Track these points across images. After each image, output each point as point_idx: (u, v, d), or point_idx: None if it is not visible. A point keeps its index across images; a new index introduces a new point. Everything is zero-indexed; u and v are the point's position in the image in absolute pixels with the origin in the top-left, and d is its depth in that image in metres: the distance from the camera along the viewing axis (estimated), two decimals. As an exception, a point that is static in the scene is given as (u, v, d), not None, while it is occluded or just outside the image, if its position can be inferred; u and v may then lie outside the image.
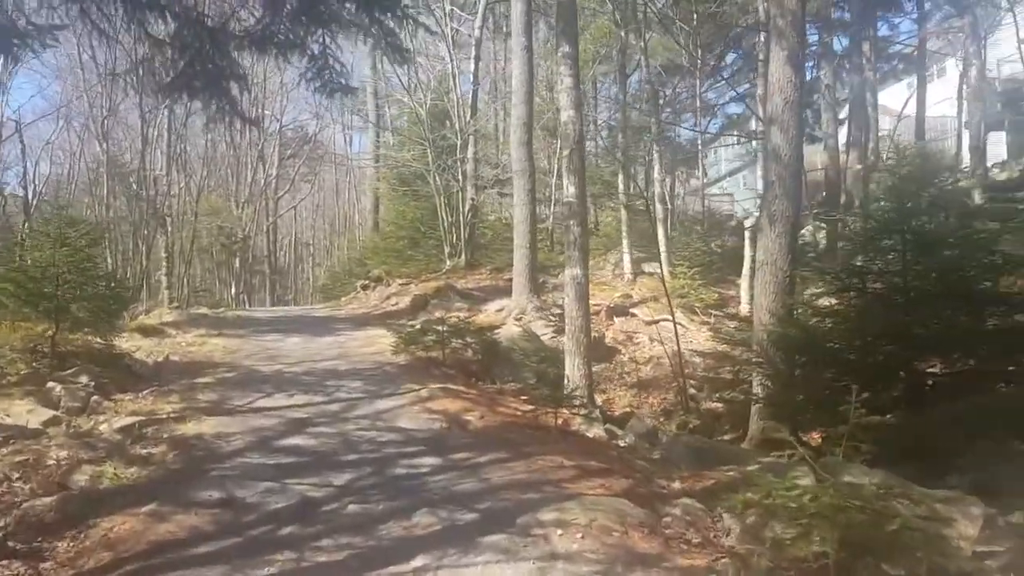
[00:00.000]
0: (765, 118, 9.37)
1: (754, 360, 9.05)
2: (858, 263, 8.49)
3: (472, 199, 21.68)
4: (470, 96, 22.16)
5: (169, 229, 28.05)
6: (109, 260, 25.08)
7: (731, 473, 6.14)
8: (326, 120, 45.49)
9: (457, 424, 7.98)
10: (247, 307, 34.24)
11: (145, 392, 9.36)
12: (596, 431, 8.45)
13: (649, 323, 16.55)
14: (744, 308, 16.12)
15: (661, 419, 10.90)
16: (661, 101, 21.36)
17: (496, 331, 11.56)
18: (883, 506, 3.90)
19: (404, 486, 5.82)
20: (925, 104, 21.31)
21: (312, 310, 22.14)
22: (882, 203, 9.23)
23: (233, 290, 35.31)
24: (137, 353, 11.82)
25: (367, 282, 26.30)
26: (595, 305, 17.67)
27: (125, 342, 12.62)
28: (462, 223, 21.49)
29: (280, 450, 6.83)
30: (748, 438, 9.11)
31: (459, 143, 21.51)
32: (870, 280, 8.25)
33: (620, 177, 20.95)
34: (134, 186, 27.22)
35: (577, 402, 9.17)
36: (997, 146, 25.54)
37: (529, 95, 16.13)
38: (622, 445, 8.28)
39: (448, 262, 22.04)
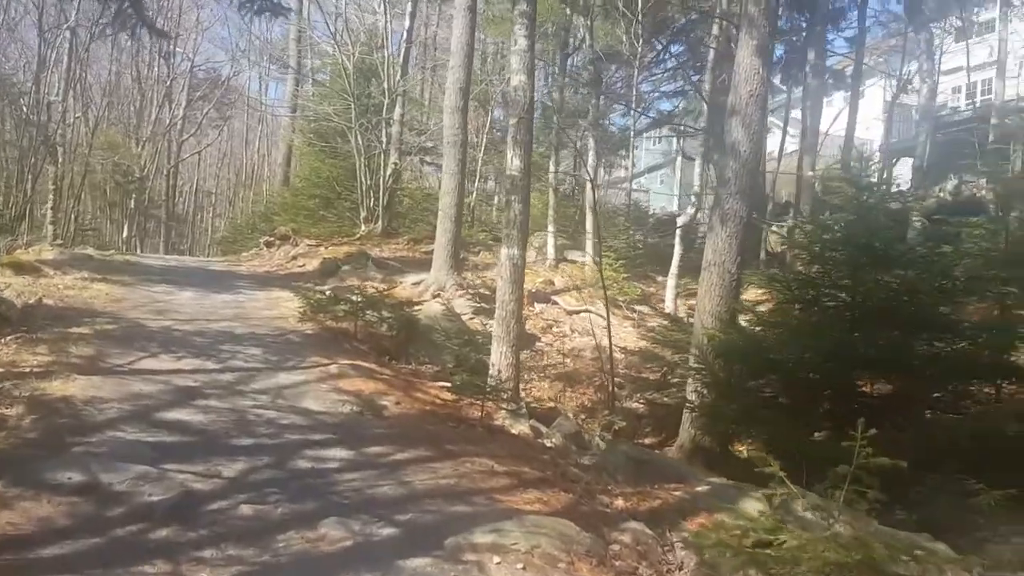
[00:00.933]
0: (728, 110, 8.81)
1: (693, 365, 8.52)
2: (811, 273, 8.06)
3: (395, 163, 20.58)
4: (401, 55, 20.96)
5: (60, 160, 25.73)
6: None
7: (677, 493, 5.54)
8: (241, 64, 43.11)
9: (371, 409, 7.13)
10: (138, 252, 32.08)
11: (8, 339, 8.09)
12: (521, 428, 7.75)
13: (571, 312, 15.99)
14: (668, 306, 15.77)
15: (584, 417, 10.30)
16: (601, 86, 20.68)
17: (416, 307, 10.69)
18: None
19: (309, 485, 4.94)
20: (856, 122, 21.45)
21: (210, 263, 20.61)
22: (834, 215, 8.86)
23: (124, 233, 32.95)
24: (5, 292, 10.38)
25: (272, 239, 24.81)
26: (515, 288, 17.03)
27: (-10, 279, 11.13)
28: (382, 187, 20.36)
29: (161, 425, 5.82)
30: (678, 445, 8.62)
31: (386, 102, 20.33)
32: (822, 293, 7.83)
33: (552, 159, 20.25)
34: (24, 109, 24.77)
35: (503, 394, 8.46)
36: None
37: (469, 59, 15.20)
38: (549, 445, 7.62)
39: (363, 227, 20.90)
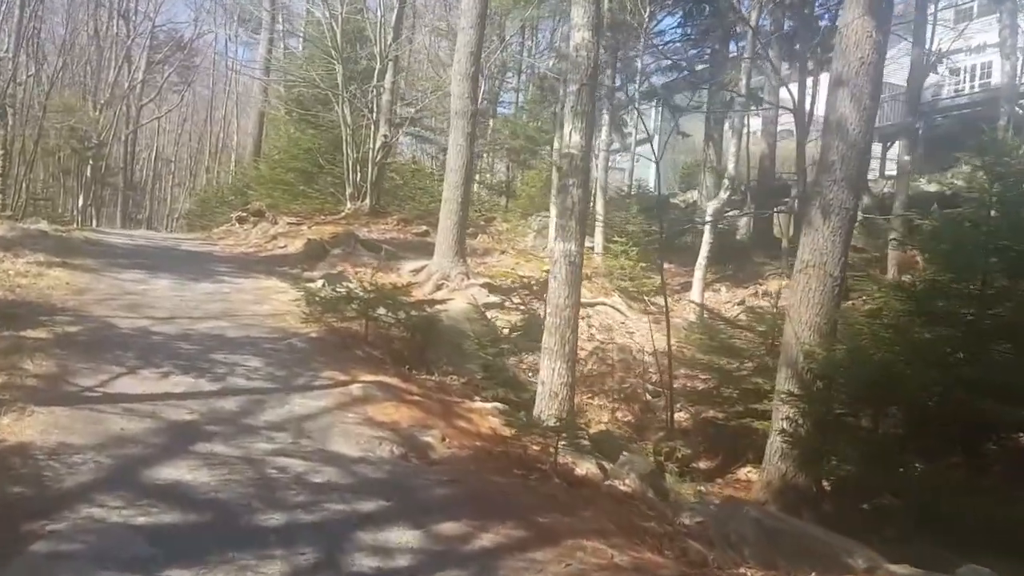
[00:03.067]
0: (832, 80, 7.39)
1: (786, 389, 7.14)
2: (942, 280, 6.68)
3: (385, 135, 18.84)
4: (393, 16, 19.13)
5: (10, 123, 23.48)
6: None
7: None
8: (207, 24, 40.66)
9: (415, 450, 5.62)
10: (97, 225, 29.86)
11: (-58, 348, 6.42)
12: (588, 467, 6.31)
13: (585, 305, 14.51)
14: (695, 300, 14.38)
15: (634, 436, 8.90)
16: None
17: (438, 305, 9.15)
18: None
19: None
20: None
21: (180, 241, 18.73)
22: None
23: (81, 202, 30.65)
24: (-60, 283, 8.62)
25: (244, 215, 22.93)
26: (522, 277, 15.57)
27: (-76, 264, 9.32)
28: (371, 162, 18.62)
29: (156, 493, 4.23)
30: (764, 482, 7.25)
31: (377, 68, 18.52)
32: (959, 305, 6.47)
33: (558, 134, 18.66)
34: (-33, 64, 22.44)
35: (555, 419, 7.01)
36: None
37: (481, 19, 13.54)
38: (623, 489, 6.19)
39: (349, 204, 19.17)
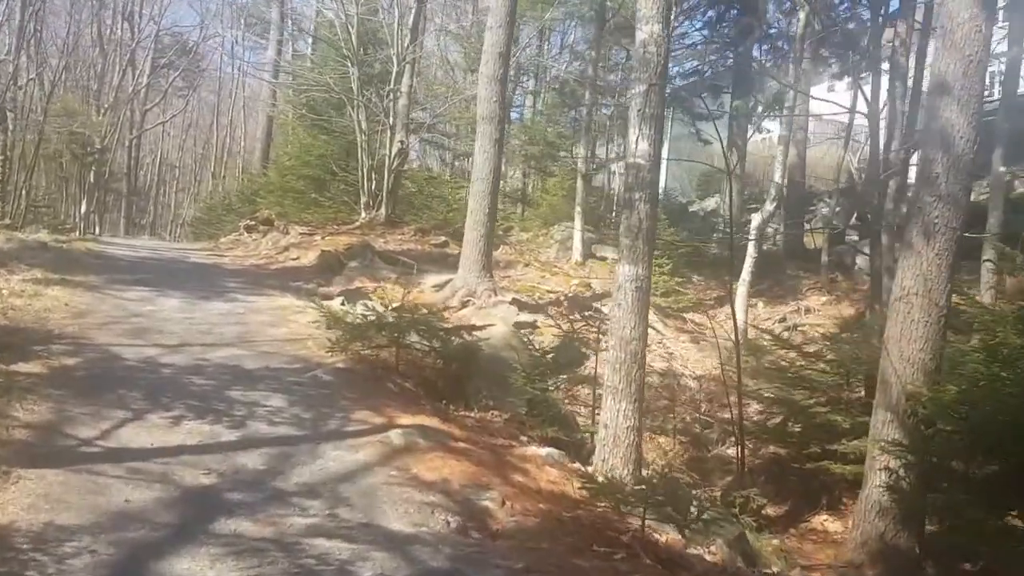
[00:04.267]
0: (933, 83, 6.52)
1: (885, 438, 6.23)
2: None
3: (401, 141, 17.98)
4: (411, 17, 18.25)
5: (10, 127, 22.66)
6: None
7: None
8: (213, 28, 39.92)
9: (474, 520, 4.72)
10: (100, 232, 29.07)
11: (-81, 387, 5.54)
12: (669, 534, 5.40)
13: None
14: (739, 319, 13.42)
15: (697, 480, 7.96)
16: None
17: (477, 331, 8.24)
18: None
19: None
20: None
21: (187, 253, 17.86)
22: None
23: (83, 208, 29.79)
24: (-77, 305, 7.75)
25: (253, 223, 22.13)
26: (549, 292, 14.69)
27: (-91, 283, 8.45)
28: (386, 169, 17.74)
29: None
30: (860, 542, 6.34)
31: (394, 71, 17.66)
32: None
33: (582, 141, 17.81)
34: (-34, 66, 21.61)
35: (620, 469, 6.14)
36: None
37: (511, 17, 12.69)
38: (709, 559, 5.29)
39: (364, 214, 18.29)
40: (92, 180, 30.11)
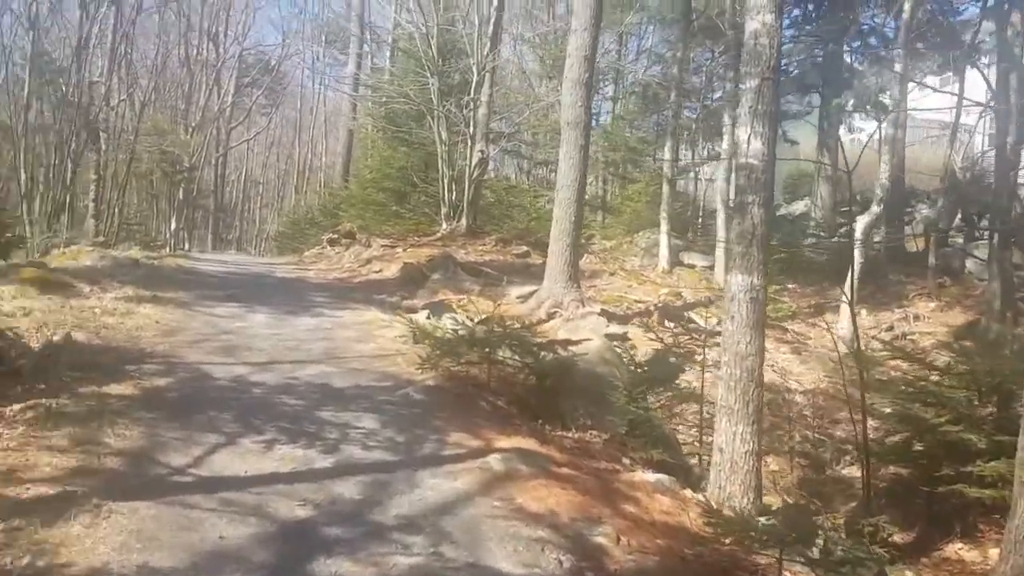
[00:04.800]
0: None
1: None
2: None
3: (482, 151, 17.75)
4: (490, 26, 18.04)
5: (103, 147, 23.44)
6: (23, 176, 20.44)
7: None
8: (294, 46, 40.76)
9: (587, 557, 4.31)
10: (188, 248, 29.87)
11: (14, 409, 5.45)
12: (800, 573, 4.86)
13: (713, 334, 12.98)
14: (843, 330, 12.61)
15: (819, 506, 7.34)
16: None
17: (572, 346, 7.82)
18: None
19: None
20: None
21: (273, 267, 18.02)
22: None
23: (172, 225, 30.70)
24: (20, 324, 7.78)
25: (336, 236, 22.28)
26: (638, 302, 14.18)
27: (7, 301, 8.55)
28: (467, 179, 17.53)
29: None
30: (1013, 581, 5.64)
31: (474, 80, 17.46)
32: None
33: (668, 144, 17.22)
34: (63, 89, 22.42)
35: (738, 497, 5.62)
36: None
37: (596, 19, 12.26)
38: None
39: (444, 225, 18.13)
40: (181, 197, 31.03)
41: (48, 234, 18.22)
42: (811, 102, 23.00)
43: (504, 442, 5.96)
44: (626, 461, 6.76)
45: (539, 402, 7.68)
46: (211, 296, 11.16)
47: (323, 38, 36.05)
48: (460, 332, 7.65)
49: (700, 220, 19.92)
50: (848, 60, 21.47)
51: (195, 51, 34.30)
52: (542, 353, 7.67)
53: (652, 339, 11.71)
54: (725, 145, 15.36)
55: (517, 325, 7.81)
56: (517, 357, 7.67)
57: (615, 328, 11.51)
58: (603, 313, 12.14)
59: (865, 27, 20.61)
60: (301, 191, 41.37)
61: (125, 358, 7.24)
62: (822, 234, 17.93)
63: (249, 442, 5.38)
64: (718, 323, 13.22)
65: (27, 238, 17.88)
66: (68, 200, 21.29)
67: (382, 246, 18.08)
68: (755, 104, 5.99)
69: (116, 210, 23.56)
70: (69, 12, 25.98)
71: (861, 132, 25.99)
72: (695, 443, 7.83)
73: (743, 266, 5.98)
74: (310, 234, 25.49)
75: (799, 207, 24.78)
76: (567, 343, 7.59)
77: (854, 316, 8.72)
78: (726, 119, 15.75)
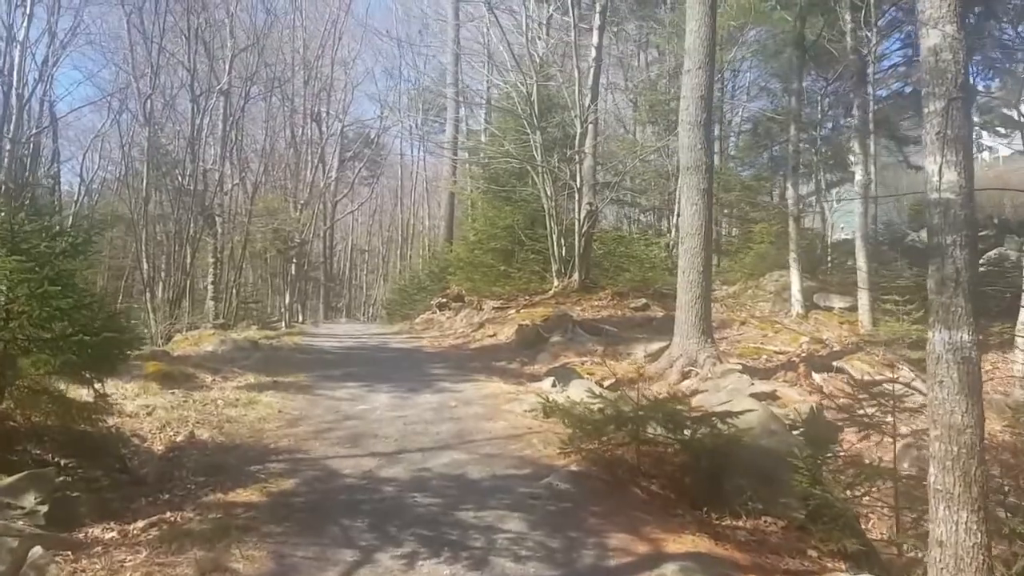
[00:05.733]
0: None
1: None
2: None
3: (589, 204, 17.13)
4: (591, 75, 17.57)
5: (219, 230, 24.13)
6: (145, 266, 21.15)
7: None
8: (392, 118, 41.70)
9: None
10: (302, 320, 30.37)
11: (138, 526, 5.03)
12: None
13: (872, 385, 11.68)
14: (1020, 371, 11.17)
15: None
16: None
17: (733, 418, 6.90)
18: None
19: None
20: None
21: (385, 336, 17.81)
22: None
23: (287, 299, 31.32)
24: (144, 425, 7.53)
25: (445, 300, 22.05)
26: (777, 353, 13.04)
27: (131, 400, 8.36)
28: (577, 234, 16.91)
29: None
30: None
31: (578, 132, 16.95)
32: None
33: (790, 179, 16.15)
34: (179, 178, 23.31)
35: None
36: None
37: (710, 57, 11.56)
38: None
39: (556, 281, 17.51)
40: (293, 272, 31.72)
41: (170, 320, 18.62)
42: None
43: (675, 544, 5.13)
44: (812, 553, 5.79)
45: (697, 484, 6.78)
46: (330, 376, 10.82)
47: (420, 106, 36.60)
48: (601, 408, 6.87)
49: (831, 258, 18.56)
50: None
51: (300, 131, 35.47)
52: (698, 429, 6.79)
53: (800, 395, 10.69)
54: (859, 177, 14.15)
55: (663, 395, 6.96)
56: (669, 434, 6.81)
57: (760, 386, 10.49)
58: (745, 369, 11.15)
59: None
60: (406, 257, 41.85)
61: (249, 456, 6.83)
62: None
63: (388, 558, 4.74)
64: (876, 372, 12.01)
65: (150, 327, 18.33)
66: (188, 285, 21.88)
67: (493, 308, 17.61)
68: (943, 129, 5.08)
69: (234, 291, 24.10)
70: (181, 106, 27.36)
71: (985, 151, 24.07)
72: (890, 527, 6.71)
73: (946, 320, 5.00)
74: (418, 299, 25.40)
75: (924, 235, 23.00)
76: (726, 415, 6.69)
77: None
78: (856, 148, 14.56)
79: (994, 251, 20.99)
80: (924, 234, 23.36)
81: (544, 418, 8.49)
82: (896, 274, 14.48)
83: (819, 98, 18.40)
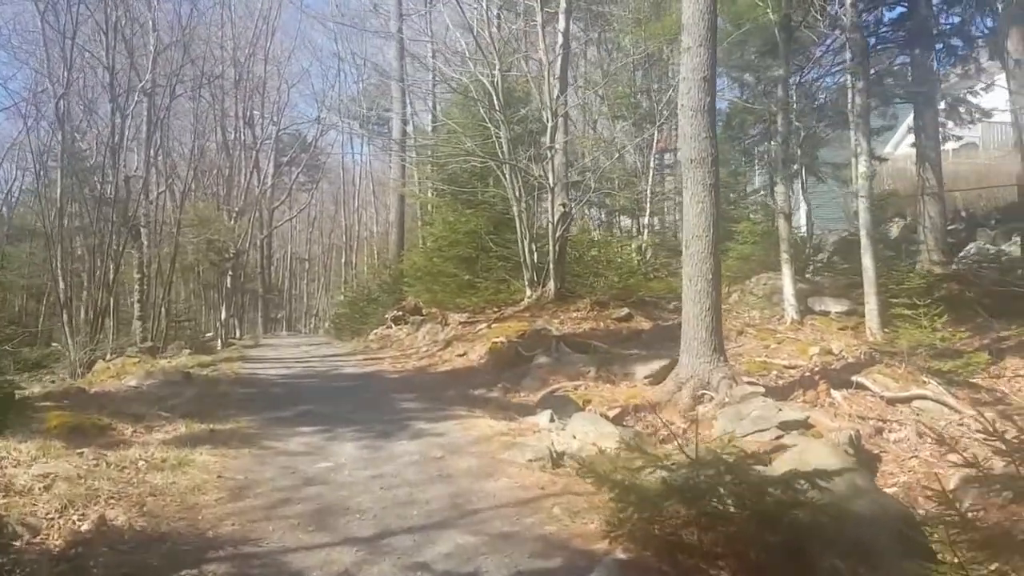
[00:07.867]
0: None
1: None
2: None
3: (564, 204, 15.52)
4: (558, 64, 15.96)
5: (145, 243, 21.82)
6: (61, 284, 18.78)
7: None
8: (330, 120, 39.64)
9: None
10: (239, 335, 28.15)
11: None
12: None
13: (892, 402, 10.31)
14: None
15: None
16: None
17: (823, 479, 5.32)
18: None
19: None
20: None
21: (339, 358, 15.88)
22: None
23: (223, 314, 28.99)
24: (39, 504, 5.62)
25: (400, 313, 20.21)
26: (788, 367, 11.64)
27: (24, 468, 6.40)
28: (551, 237, 15.29)
29: None
30: None
31: (549, 126, 15.32)
32: None
33: (780, 173, 14.82)
34: (99, 187, 20.95)
35: None
36: None
37: (712, 32, 10.05)
38: None
39: (529, 292, 15.85)
40: (229, 285, 29.44)
41: (91, 345, 16.37)
42: (895, 114, 20.74)
43: None
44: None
45: (777, 565, 5.19)
46: (280, 419, 8.94)
47: (362, 103, 34.60)
48: (651, 471, 5.22)
49: (821, 256, 17.34)
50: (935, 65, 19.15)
51: (232, 135, 33.13)
52: (768, 493, 5.20)
53: (837, 424, 9.25)
54: (862, 168, 12.84)
55: (730, 454, 5.33)
56: (733, 504, 5.21)
57: (788, 412, 9.00)
58: (770, 390, 9.67)
59: (947, 27, 18.25)
60: (351, 264, 39.75)
61: (180, 553, 4.99)
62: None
63: None
64: (900, 387, 10.67)
65: (68, 353, 16.08)
66: (112, 303, 19.55)
67: (460, 323, 15.89)
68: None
69: (163, 309, 21.77)
70: (102, 109, 24.86)
71: (961, 140, 23.45)
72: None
73: None
74: (370, 313, 23.47)
75: (893, 230, 22.10)
76: (815, 476, 5.11)
77: None
78: (858, 137, 13.26)
79: (971, 245, 20.22)
80: (891, 229, 22.47)
81: (553, 468, 6.88)
82: (903, 274, 13.20)
83: (807, 85, 17.18)
